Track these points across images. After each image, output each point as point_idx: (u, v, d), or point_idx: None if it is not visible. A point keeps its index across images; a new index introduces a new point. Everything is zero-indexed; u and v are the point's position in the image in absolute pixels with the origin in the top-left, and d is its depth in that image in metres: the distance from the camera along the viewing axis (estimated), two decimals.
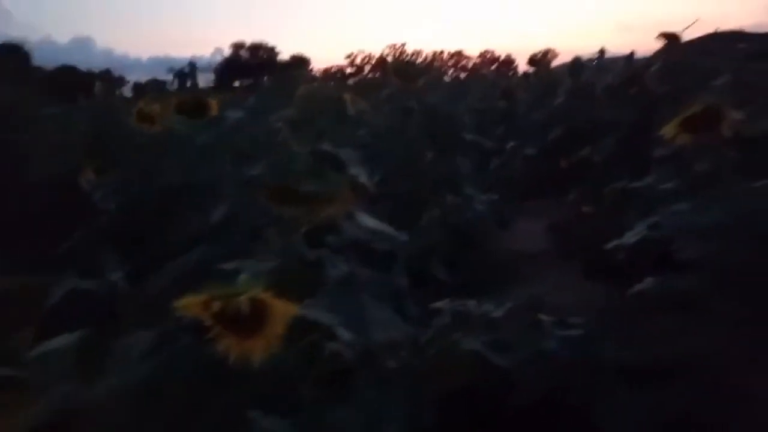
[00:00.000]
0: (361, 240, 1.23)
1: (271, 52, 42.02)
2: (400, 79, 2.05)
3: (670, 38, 2.80)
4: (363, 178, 0.88)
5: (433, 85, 2.23)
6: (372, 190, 0.95)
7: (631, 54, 3.61)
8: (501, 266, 1.99)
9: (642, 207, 1.72)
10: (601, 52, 4.43)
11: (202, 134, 1.20)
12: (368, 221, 0.98)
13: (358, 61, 42.64)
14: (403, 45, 46.75)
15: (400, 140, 2.08)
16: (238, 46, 42.64)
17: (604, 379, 1.14)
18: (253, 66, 39.15)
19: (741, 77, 2.12)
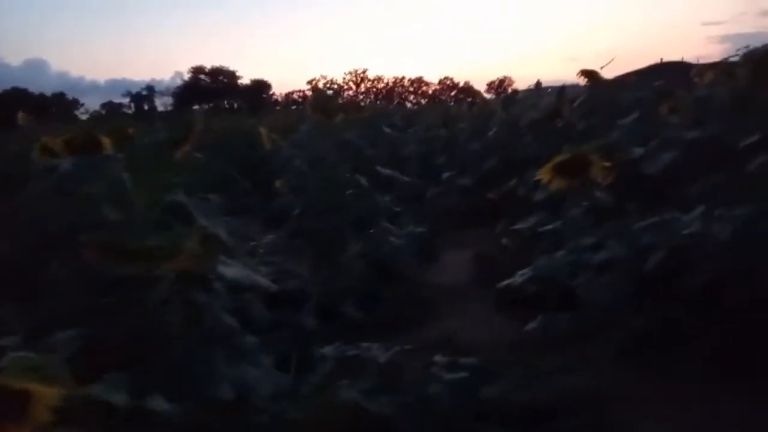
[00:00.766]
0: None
1: (232, 76, 41.84)
2: (319, 113, 2.05)
3: (590, 75, 2.93)
4: (217, 229, 0.86)
5: (350, 123, 2.24)
6: (228, 240, 0.92)
7: (563, 87, 3.75)
8: (420, 301, 1.98)
9: (548, 243, 1.76)
10: (537, 84, 4.60)
11: (37, 182, 1.13)
12: (231, 271, 0.96)
13: (320, 86, 42.93)
14: (365, 71, 47.37)
15: (321, 174, 2.07)
16: (197, 70, 42.28)
17: (488, 424, 1.13)
18: (213, 90, 38.87)
19: (647, 115, 2.22)
